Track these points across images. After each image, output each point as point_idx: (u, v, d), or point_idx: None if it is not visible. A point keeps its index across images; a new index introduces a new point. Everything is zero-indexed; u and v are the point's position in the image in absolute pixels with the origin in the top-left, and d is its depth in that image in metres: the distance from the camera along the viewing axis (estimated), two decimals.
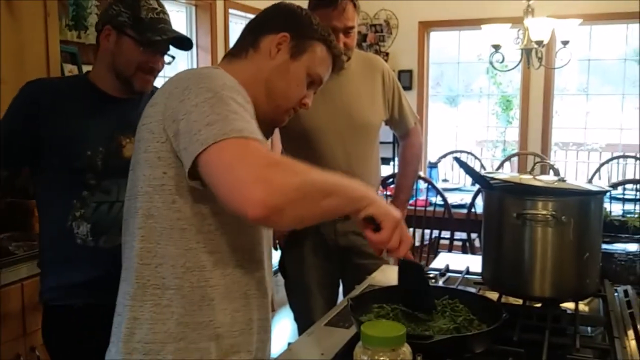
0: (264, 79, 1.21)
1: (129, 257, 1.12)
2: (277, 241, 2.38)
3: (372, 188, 1.09)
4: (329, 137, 2.18)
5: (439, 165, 4.90)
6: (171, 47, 1.71)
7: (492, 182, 1.48)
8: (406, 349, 0.96)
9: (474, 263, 1.72)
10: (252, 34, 1.25)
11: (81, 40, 3.05)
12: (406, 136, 2.49)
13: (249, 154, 0.95)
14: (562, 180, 1.42)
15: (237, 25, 4.69)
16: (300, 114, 2.15)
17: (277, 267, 2.46)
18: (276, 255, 2.41)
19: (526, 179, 1.44)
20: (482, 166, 5.41)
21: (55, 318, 1.70)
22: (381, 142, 4.93)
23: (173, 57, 1.74)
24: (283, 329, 4.18)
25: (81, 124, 1.63)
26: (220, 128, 0.97)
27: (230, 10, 4.48)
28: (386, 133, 5.97)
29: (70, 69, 2.81)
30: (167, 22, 1.69)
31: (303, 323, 2.21)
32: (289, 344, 1.30)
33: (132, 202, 1.13)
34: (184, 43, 1.71)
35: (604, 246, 1.56)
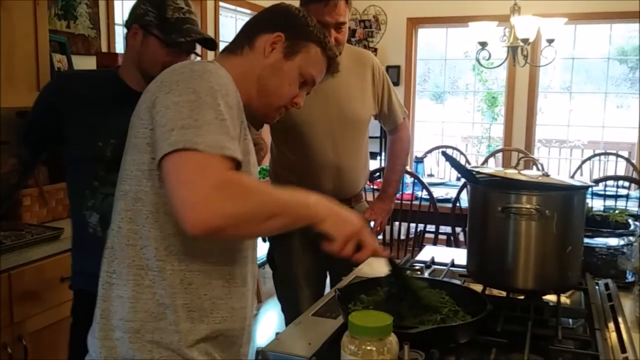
0: (257, 76, 1.24)
1: (115, 237, 1.15)
2: None
3: (328, 198, 1.12)
4: (319, 131, 2.20)
5: (424, 160, 4.94)
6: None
7: (477, 176, 1.51)
8: (392, 338, 0.98)
9: (459, 256, 1.75)
10: (249, 31, 1.28)
11: (70, 30, 3.03)
12: (395, 131, 2.51)
13: (203, 173, 0.98)
14: (546, 175, 1.46)
15: (227, 18, 4.68)
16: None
17: (265, 259, 2.48)
18: (265, 247, 2.43)
19: (511, 173, 1.48)
20: (467, 161, 5.45)
21: (78, 302, 1.78)
22: (369, 137, 4.96)
23: (199, 56, 1.77)
24: (270, 319, 4.19)
25: (101, 115, 1.66)
26: (191, 136, 0.99)
27: (221, 4, 4.46)
28: (374, 127, 5.99)
29: (59, 59, 2.79)
30: (193, 22, 1.71)
31: (291, 314, 2.23)
32: (277, 334, 1.32)
33: (121, 185, 1.16)
34: (208, 43, 1.74)
35: (586, 240, 1.60)
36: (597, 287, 1.58)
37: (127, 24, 1.73)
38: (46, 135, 1.76)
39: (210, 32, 4.32)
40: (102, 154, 1.65)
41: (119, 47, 3.48)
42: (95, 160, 1.66)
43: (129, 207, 1.12)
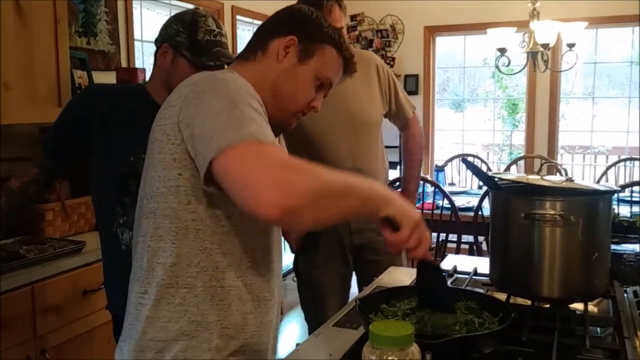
0: (272, 82, 1.21)
1: (142, 256, 1.13)
2: (292, 243, 2.39)
3: (385, 185, 1.08)
4: (332, 138, 2.21)
5: (445, 168, 4.90)
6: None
7: (499, 182, 1.49)
8: (415, 348, 0.96)
9: (482, 264, 1.72)
10: (261, 37, 1.26)
11: (90, 46, 3.07)
12: (406, 127, 2.52)
13: (264, 157, 0.95)
14: (570, 180, 1.43)
15: (244, 32, 4.71)
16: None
17: (287, 269, 2.48)
18: (290, 257, 2.42)
19: (534, 179, 1.45)
20: (489, 169, 5.40)
21: (119, 328, 1.71)
22: (387, 147, 4.89)
23: None
24: (292, 331, 4.18)
25: (130, 131, 1.64)
26: (234, 133, 0.97)
27: (238, 17, 4.50)
28: (393, 137, 5.96)
29: (79, 75, 2.83)
30: (223, 45, 1.71)
31: (314, 324, 2.22)
32: (297, 344, 1.31)
33: (146, 202, 1.14)
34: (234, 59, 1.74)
35: (613, 247, 1.56)
36: (625, 295, 1.54)
37: (157, 42, 1.73)
38: (70, 147, 1.76)
39: (228, 46, 4.35)
40: (135, 168, 1.62)
41: (139, 63, 3.52)
42: (127, 176, 1.65)
43: (157, 226, 1.11)
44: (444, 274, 1.24)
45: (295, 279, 2.48)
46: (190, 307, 1.09)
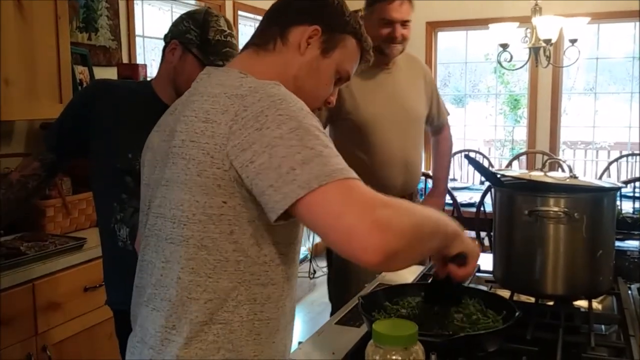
0: (293, 76, 1.11)
1: (172, 288, 1.01)
2: None
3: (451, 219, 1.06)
4: (386, 128, 2.35)
5: None
6: None
7: (502, 179, 1.48)
8: (419, 347, 0.95)
9: (485, 261, 1.71)
10: (279, 23, 1.13)
11: (92, 42, 3.06)
12: (441, 130, 2.73)
13: (356, 197, 0.88)
14: (574, 176, 1.42)
15: (246, 27, 4.69)
16: (358, 105, 2.34)
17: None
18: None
19: (537, 175, 1.44)
20: (491, 165, 5.39)
21: (121, 323, 1.69)
22: None
23: None
24: (295, 328, 4.17)
25: (132, 127, 1.62)
26: (320, 168, 0.89)
27: (240, 12, 4.48)
28: None
29: (81, 71, 2.81)
30: (233, 46, 1.69)
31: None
32: (300, 343, 1.30)
33: (171, 226, 1.02)
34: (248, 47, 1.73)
35: (617, 243, 1.55)
36: (629, 292, 1.53)
37: (167, 38, 1.71)
38: (73, 143, 1.74)
39: (237, 47, 4.34)
40: (132, 166, 1.62)
41: (140, 59, 3.51)
42: (124, 172, 1.64)
43: (191, 256, 0.99)
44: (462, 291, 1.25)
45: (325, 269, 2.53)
46: (224, 344, 1.00)
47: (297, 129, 0.92)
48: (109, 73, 3.08)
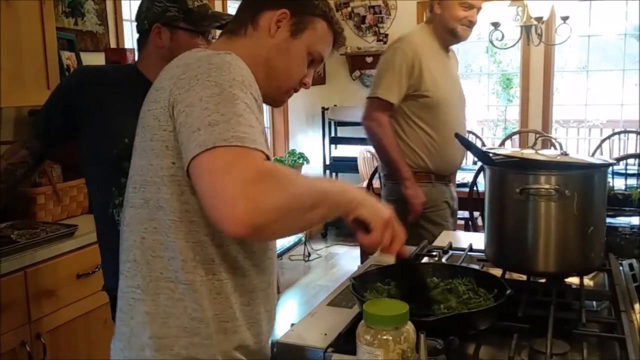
0: (264, 58, 1.16)
1: (136, 249, 1.07)
2: None
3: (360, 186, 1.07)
4: (452, 108, 2.62)
5: None
6: None
7: (493, 158, 1.47)
8: (409, 327, 0.95)
9: (477, 240, 1.71)
10: (250, 9, 1.20)
11: (78, 27, 3.02)
12: None
13: (239, 165, 0.90)
14: (565, 154, 1.41)
15: (234, 10, 4.64)
16: (437, 84, 2.55)
17: (283, 249, 2.48)
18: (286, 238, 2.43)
19: (528, 153, 1.43)
20: (484, 145, 5.38)
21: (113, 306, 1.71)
22: None
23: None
24: (288, 310, 4.19)
25: (124, 112, 1.57)
26: (220, 132, 0.92)
27: (229, 1, 4.43)
28: None
29: (67, 56, 2.78)
30: (212, 8, 1.69)
31: None
32: (292, 325, 1.30)
33: (137, 191, 1.08)
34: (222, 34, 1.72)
35: (608, 220, 1.55)
36: (621, 268, 1.53)
37: (145, 26, 1.68)
38: (60, 129, 1.73)
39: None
40: (130, 151, 1.61)
41: (128, 43, 3.47)
42: (121, 157, 1.60)
43: (152, 217, 1.05)
44: (419, 271, 1.23)
45: (291, 258, 2.53)
46: (189, 303, 1.04)
47: (217, 95, 0.96)
48: (97, 58, 3.04)
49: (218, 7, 4.31)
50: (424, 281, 1.27)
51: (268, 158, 0.97)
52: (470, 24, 2.59)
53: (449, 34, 2.63)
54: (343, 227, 6.02)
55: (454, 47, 2.78)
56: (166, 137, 1.02)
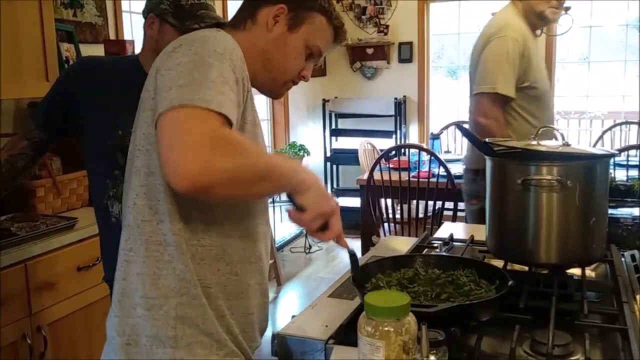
0: (261, 50, 1.20)
1: (130, 215, 1.12)
2: None
3: (314, 173, 1.12)
4: (548, 99, 2.55)
5: (441, 136, 4.88)
6: None
7: (495, 149, 1.46)
8: (411, 318, 0.94)
9: (479, 232, 1.71)
10: (250, 5, 1.24)
11: (77, 18, 3.00)
12: None
13: (196, 127, 0.94)
14: (567, 144, 1.40)
15: (235, 2, 4.62)
16: (541, 74, 2.44)
17: (284, 241, 2.46)
18: (283, 230, 2.41)
19: (530, 144, 1.42)
20: None
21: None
22: (383, 116, 4.91)
23: None
24: (290, 302, 4.20)
25: (121, 103, 1.61)
26: (189, 93, 0.96)
27: None
28: (387, 106, 5.90)
29: (66, 48, 2.77)
30: (208, 7, 1.70)
31: None
32: (293, 316, 1.29)
33: (132, 161, 1.13)
34: (223, 28, 1.72)
35: (610, 211, 1.54)
36: (623, 259, 1.53)
37: (144, 14, 1.72)
38: (60, 120, 1.74)
39: (214, 9, 4.28)
40: (123, 142, 1.61)
41: (127, 34, 3.45)
42: (115, 149, 1.64)
43: (142, 183, 1.10)
44: (356, 260, 1.22)
45: (292, 250, 2.50)
46: (178, 265, 1.09)
47: (194, 62, 1.01)
48: (96, 50, 3.03)
49: (218, 6, 4.29)
50: (355, 269, 1.26)
51: (231, 125, 1.00)
52: (559, 5, 2.42)
53: (537, 18, 2.46)
54: (344, 220, 6.01)
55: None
56: (153, 105, 1.06)
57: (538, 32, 2.58)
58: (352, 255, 1.21)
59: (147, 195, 1.10)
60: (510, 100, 2.36)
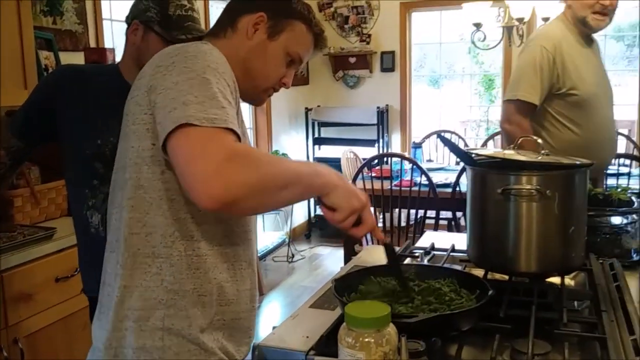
0: (242, 58, 1.21)
1: (117, 228, 1.13)
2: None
3: (337, 172, 1.13)
4: (601, 105, 2.43)
5: (423, 145, 4.90)
6: None
7: (475, 158, 1.47)
8: (391, 329, 0.94)
9: (460, 241, 1.71)
10: (231, 13, 1.25)
11: (57, 26, 2.98)
12: None
13: (212, 145, 0.96)
14: (547, 154, 1.41)
15: (217, 10, 4.62)
16: (584, 80, 2.38)
17: (267, 250, 2.45)
18: (268, 238, 2.40)
19: (510, 154, 1.43)
20: (466, 145, 5.40)
21: (93, 309, 1.70)
22: (365, 125, 4.94)
23: None
24: (271, 312, 4.17)
25: (100, 112, 1.62)
26: (193, 111, 0.97)
27: None
28: (369, 115, 5.92)
29: (46, 56, 2.74)
30: (194, 20, 1.69)
31: None
32: (273, 327, 1.28)
33: (120, 174, 1.14)
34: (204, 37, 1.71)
35: (589, 220, 1.55)
36: (601, 268, 1.54)
37: (128, 20, 1.70)
38: (38, 129, 1.72)
39: (200, 21, 4.27)
40: (102, 152, 1.61)
41: (108, 42, 3.43)
42: (93, 158, 1.63)
43: (130, 196, 1.11)
44: (392, 250, 1.26)
45: (274, 259, 2.49)
46: (166, 277, 1.10)
47: (192, 79, 1.02)
48: (76, 58, 3.00)
49: (199, 7, 4.28)
50: (394, 259, 1.29)
51: (239, 138, 1.02)
52: (604, 9, 2.36)
53: (581, 24, 2.44)
54: (327, 228, 6.02)
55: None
56: (146, 120, 1.07)
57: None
58: (388, 246, 1.23)
59: (135, 209, 1.10)
60: (535, 108, 2.38)
